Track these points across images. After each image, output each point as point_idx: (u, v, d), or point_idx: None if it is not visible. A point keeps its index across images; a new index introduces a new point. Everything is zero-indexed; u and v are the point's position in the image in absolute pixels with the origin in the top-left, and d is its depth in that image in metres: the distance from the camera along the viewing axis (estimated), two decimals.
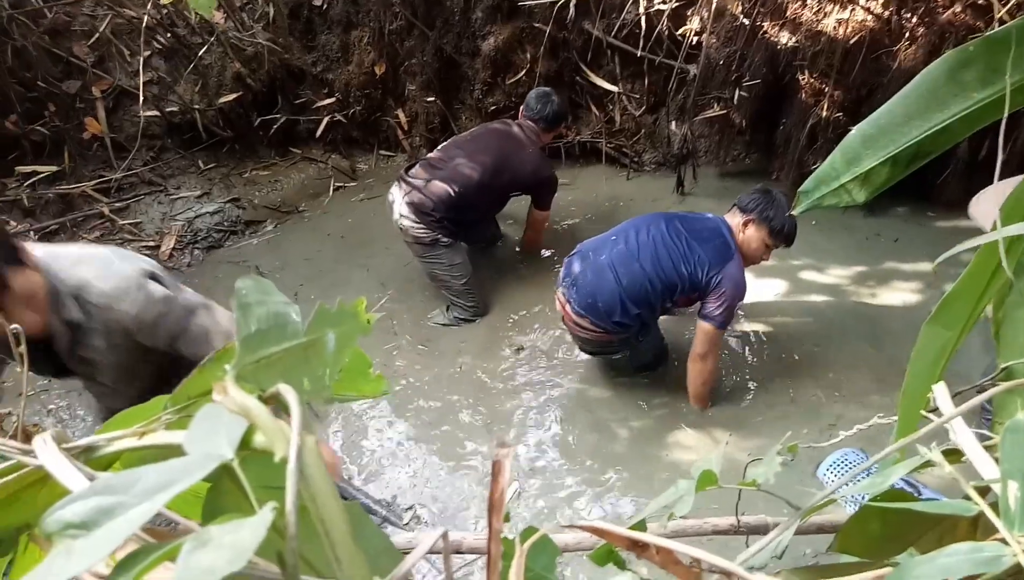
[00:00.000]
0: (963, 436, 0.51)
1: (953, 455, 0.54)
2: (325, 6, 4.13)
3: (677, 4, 3.59)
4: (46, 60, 3.71)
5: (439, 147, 3.20)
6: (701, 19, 3.59)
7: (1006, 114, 0.69)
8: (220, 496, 0.36)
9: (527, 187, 3.19)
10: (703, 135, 4.04)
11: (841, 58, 3.28)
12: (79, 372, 1.57)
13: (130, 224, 3.78)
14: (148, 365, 1.60)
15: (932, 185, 3.47)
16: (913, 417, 0.69)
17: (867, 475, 0.58)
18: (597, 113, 4.14)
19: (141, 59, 3.84)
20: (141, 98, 3.81)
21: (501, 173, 3.02)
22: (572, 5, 3.69)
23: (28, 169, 3.70)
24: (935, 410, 0.60)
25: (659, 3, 3.59)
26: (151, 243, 3.75)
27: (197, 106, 4.00)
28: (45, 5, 3.72)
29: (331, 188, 4.26)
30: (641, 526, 0.56)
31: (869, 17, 3.18)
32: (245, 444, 0.33)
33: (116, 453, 0.40)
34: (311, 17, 4.21)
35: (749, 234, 2.45)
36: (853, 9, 3.19)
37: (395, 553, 0.41)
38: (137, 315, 1.47)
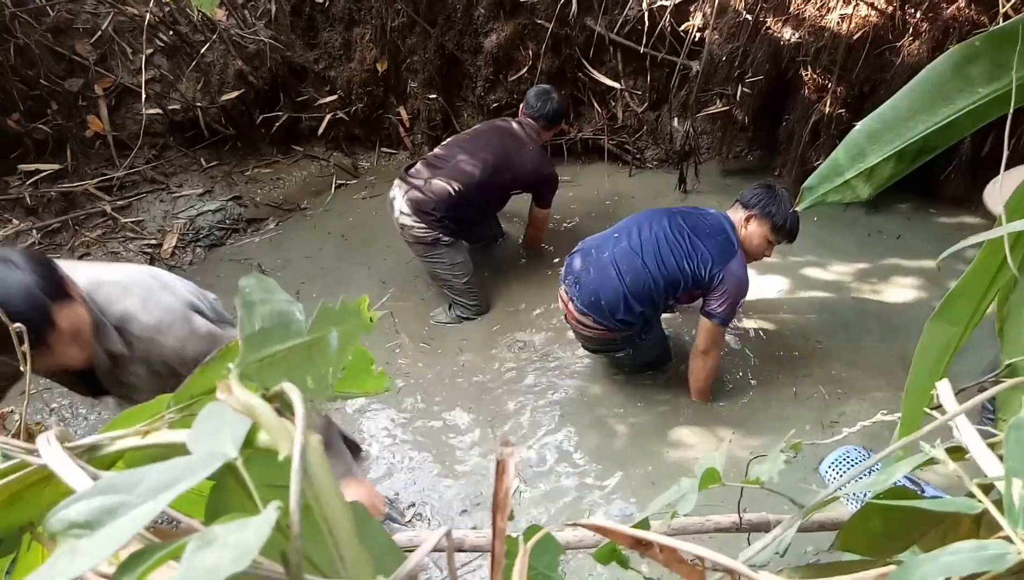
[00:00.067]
0: (967, 433, 0.51)
1: (957, 452, 0.54)
2: (327, 3, 4.13)
3: (679, 0, 3.58)
4: (48, 58, 3.71)
5: (440, 145, 3.19)
6: (704, 15, 3.58)
7: (1012, 109, 0.69)
8: (224, 495, 0.36)
9: (528, 185, 3.18)
10: (705, 131, 4.04)
11: (844, 54, 3.27)
12: (117, 394, 1.58)
13: (132, 222, 3.79)
14: None
15: (935, 181, 3.46)
16: (917, 414, 0.69)
17: (870, 473, 0.58)
18: (599, 110, 4.14)
19: (143, 57, 3.84)
20: (143, 96, 3.82)
21: (502, 171, 3.01)
22: (574, 1, 3.69)
23: (30, 167, 3.70)
24: (939, 407, 0.60)
25: None
26: (153, 241, 3.75)
27: (199, 104, 4.01)
28: (47, 3, 3.73)
29: (333, 186, 4.26)
30: (644, 524, 0.56)
31: (872, 12, 3.17)
32: (249, 443, 0.33)
33: (119, 452, 0.40)
34: (313, 14, 4.21)
35: (751, 230, 2.44)
36: (856, 4, 3.18)
37: (398, 552, 0.41)
38: (179, 350, 1.47)
